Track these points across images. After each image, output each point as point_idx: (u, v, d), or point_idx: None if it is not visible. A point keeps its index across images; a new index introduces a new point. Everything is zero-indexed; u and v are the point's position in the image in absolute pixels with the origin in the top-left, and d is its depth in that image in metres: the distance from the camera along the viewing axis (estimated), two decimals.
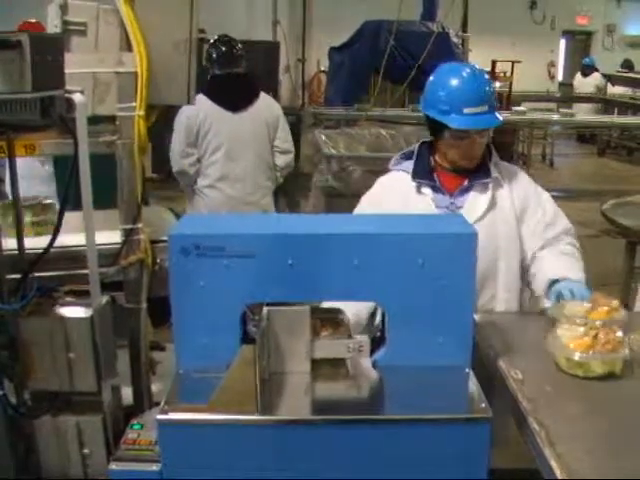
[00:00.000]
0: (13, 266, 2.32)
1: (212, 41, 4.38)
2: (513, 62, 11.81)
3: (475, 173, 2.52)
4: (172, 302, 1.93)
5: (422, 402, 1.87)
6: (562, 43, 17.79)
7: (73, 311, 2.38)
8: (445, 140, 2.49)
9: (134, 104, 2.37)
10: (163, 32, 2.41)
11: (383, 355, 1.98)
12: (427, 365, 1.94)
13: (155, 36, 2.39)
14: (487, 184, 2.52)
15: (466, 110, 2.39)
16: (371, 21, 10.07)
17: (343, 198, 6.03)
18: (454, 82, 2.44)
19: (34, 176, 3.91)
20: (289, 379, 1.93)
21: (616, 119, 10.93)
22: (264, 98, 4.49)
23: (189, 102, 2.53)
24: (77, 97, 2.20)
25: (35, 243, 2.36)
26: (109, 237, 2.57)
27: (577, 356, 1.98)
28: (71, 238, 2.44)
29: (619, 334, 2.06)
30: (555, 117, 9.81)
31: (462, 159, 2.51)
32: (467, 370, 1.96)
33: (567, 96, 13.67)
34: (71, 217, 2.31)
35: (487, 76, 2.53)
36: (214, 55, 4.30)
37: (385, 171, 2.73)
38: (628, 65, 14.24)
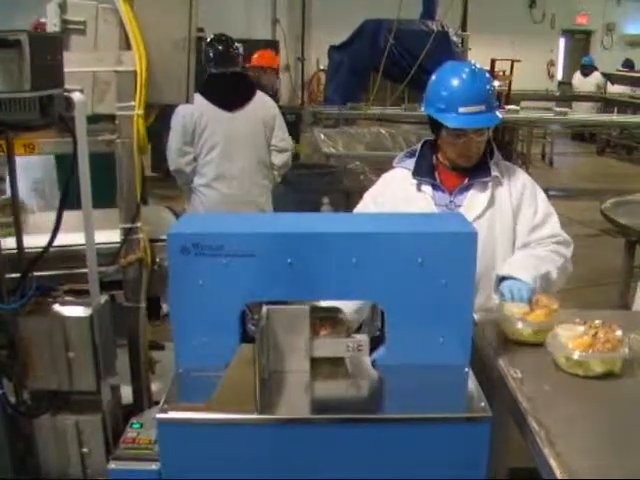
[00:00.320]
0: (12, 265, 2.32)
1: (209, 40, 4.40)
2: (512, 61, 11.81)
3: (475, 172, 2.53)
4: (171, 301, 1.93)
5: (421, 401, 1.87)
6: (561, 42, 17.78)
7: (72, 310, 2.37)
8: (444, 138, 2.51)
9: (133, 103, 2.37)
10: (162, 31, 2.41)
11: (382, 354, 1.98)
12: (426, 364, 1.94)
13: (154, 35, 2.38)
14: (487, 183, 2.53)
15: (462, 109, 2.40)
16: (371, 20, 10.08)
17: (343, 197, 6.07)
18: (451, 81, 2.46)
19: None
20: (288, 378, 1.93)
21: (615, 118, 10.94)
22: (260, 97, 4.48)
23: (188, 101, 2.53)
24: (76, 96, 2.19)
25: (35, 242, 2.36)
26: (108, 236, 2.56)
27: (577, 355, 1.98)
28: (70, 237, 2.44)
29: (618, 333, 2.06)
30: (547, 116, 9.82)
31: (459, 157, 2.52)
32: (466, 369, 1.96)
33: (566, 95, 13.68)
34: (70, 216, 2.30)
35: (487, 76, 2.53)
36: (210, 54, 4.31)
37: (385, 169, 2.75)
38: (629, 64, 14.25)
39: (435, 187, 2.55)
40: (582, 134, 14.16)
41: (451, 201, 2.53)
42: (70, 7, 2.38)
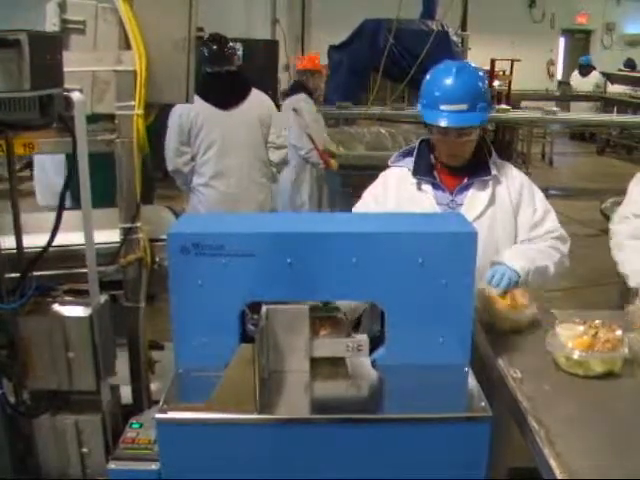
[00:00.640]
0: (12, 265, 2.32)
1: (204, 39, 4.42)
2: (512, 61, 11.80)
3: (475, 170, 2.54)
4: (171, 301, 1.93)
5: (421, 401, 1.87)
6: (561, 41, 17.78)
7: (72, 310, 2.37)
8: (434, 136, 2.52)
9: (133, 103, 2.37)
10: (162, 30, 2.40)
11: (382, 354, 1.98)
12: (426, 364, 1.94)
13: (154, 34, 2.38)
14: (487, 182, 2.53)
15: (443, 107, 2.41)
16: (370, 20, 10.06)
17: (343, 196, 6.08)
18: (437, 79, 2.47)
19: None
20: (288, 378, 1.93)
21: (615, 118, 10.94)
22: (256, 95, 4.49)
23: (188, 101, 2.52)
24: (76, 95, 2.19)
25: (34, 242, 2.36)
26: (108, 236, 2.56)
27: (576, 355, 1.98)
28: (70, 237, 2.43)
29: (618, 333, 2.06)
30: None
31: (447, 156, 2.53)
32: (466, 369, 1.96)
33: (566, 95, 13.68)
34: (70, 216, 2.30)
35: (477, 75, 2.50)
36: (205, 54, 4.32)
37: (385, 168, 2.74)
38: (631, 64, 14.25)
39: (435, 186, 2.55)
40: (582, 134, 14.15)
41: (452, 200, 2.53)
42: (70, 7, 2.38)
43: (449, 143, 2.48)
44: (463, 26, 12.02)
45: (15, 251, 2.36)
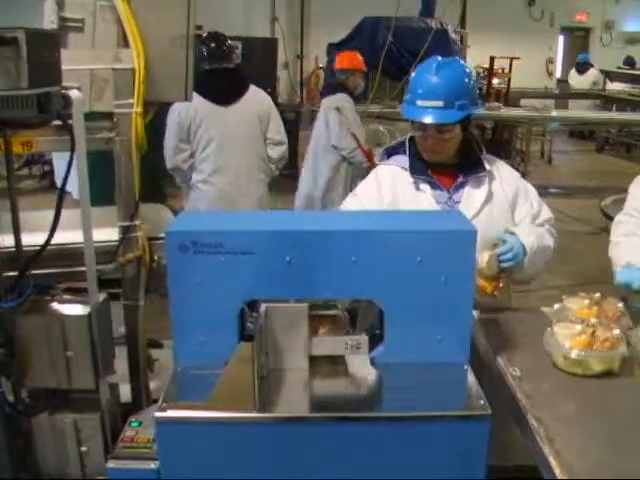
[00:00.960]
0: (10, 263, 2.32)
1: (202, 38, 4.43)
2: (511, 58, 11.80)
3: (469, 168, 2.53)
4: (170, 299, 1.93)
5: (421, 399, 1.87)
6: (560, 39, 17.77)
7: (71, 308, 2.37)
8: (415, 132, 2.52)
9: (131, 101, 2.36)
10: (160, 28, 2.40)
11: (381, 352, 1.97)
12: (426, 362, 1.94)
13: (152, 32, 2.38)
14: (482, 178, 2.53)
15: (419, 102, 2.40)
16: (369, 17, 10.06)
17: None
18: (418, 74, 2.47)
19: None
20: (287, 376, 1.93)
21: (614, 115, 10.95)
22: (254, 91, 4.52)
23: (187, 98, 2.52)
24: (74, 94, 2.19)
25: (32, 240, 2.35)
26: (107, 234, 2.56)
27: (574, 354, 1.98)
28: (68, 235, 2.43)
29: (617, 331, 2.06)
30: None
31: (424, 152, 2.52)
32: (466, 367, 1.95)
33: (565, 93, 13.68)
34: (68, 214, 2.30)
35: (460, 73, 2.46)
36: (204, 51, 4.35)
37: None
38: (630, 62, 14.25)
39: (433, 185, 2.54)
40: (581, 132, 14.15)
41: (449, 198, 2.52)
42: (68, 4, 2.38)
43: (429, 139, 2.46)
44: (462, 24, 12.01)
45: (14, 249, 2.35)
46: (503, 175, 2.60)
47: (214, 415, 1.75)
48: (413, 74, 2.51)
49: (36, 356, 2.33)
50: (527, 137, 10.48)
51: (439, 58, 2.48)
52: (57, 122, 2.19)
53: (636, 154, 12.73)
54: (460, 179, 2.54)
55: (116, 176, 2.47)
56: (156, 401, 1.87)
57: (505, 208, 2.55)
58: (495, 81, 11.91)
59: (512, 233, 2.46)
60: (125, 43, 2.37)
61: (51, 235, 2.21)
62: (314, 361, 1.96)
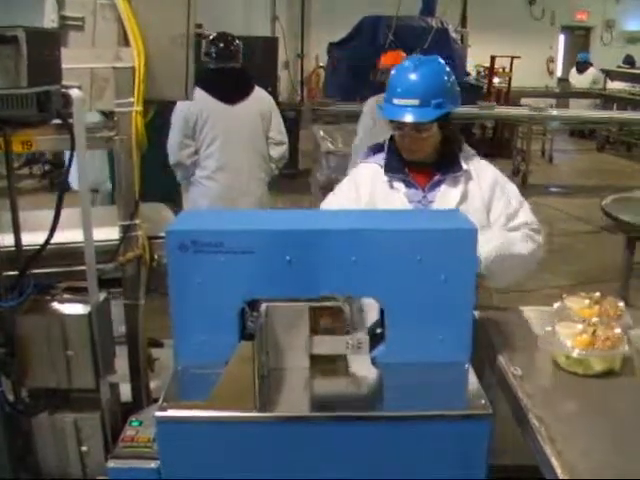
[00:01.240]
0: (10, 263, 2.31)
1: (211, 38, 4.53)
2: (512, 58, 11.80)
3: (446, 167, 2.50)
4: (170, 299, 1.92)
5: (421, 399, 1.87)
6: (561, 38, 17.77)
7: (71, 308, 2.36)
8: (394, 130, 2.51)
9: (132, 99, 2.36)
10: (161, 27, 2.39)
11: (382, 352, 1.97)
12: (427, 361, 1.93)
13: (153, 31, 2.37)
14: (458, 178, 2.50)
15: (395, 101, 2.40)
16: (370, 16, 10.07)
17: None
18: (396, 73, 2.47)
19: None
20: (288, 375, 1.92)
21: (615, 114, 10.93)
22: (258, 92, 4.61)
23: (187, 97, 2.52)
24: (74, 92, 2.18)
25: (33, 239, 2.35)
26: (107, 233, 2.55)
27: (576, 353, 1.98)
28: (69, 234, 2.42)
29: (618, 330, 2.05)
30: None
31: (403, 150, 2.51)
32: (467, 366, 1.95)
33: (566, 92, 13.67)
34: (68, 213, 2.30)
35: (439, 71, 2.45)
36: (213, 50, 4.44)
37: None
38: (630, 61, 14.24)
39: (407, 184, 2.52)
40: (582, 131, 14.14)
41: (424, 197, 2.50)
42: (68, 3, 2.37)
43: (406, 138, 2.45)
44: (463, 23, 12.02)
45: (14, 249, 2.35)
46: (481, 174, 2.55)
47: (215, 414, 1.75)
48: (392, 72, 2.50)
49: (36, 355, 2.32)
50: (528, 136, 10.47)
51: (415, 57, 2.50)
52: (57, 121, 2.19)
53: (637, 153, 12.72)
54: (436, 178, 2.51)
55: (116, 175, 2.47)
56: (156, 400, 1.86)
57: (480, 209, 2.50)
58: (496, 80, 11.90)
59: None
60: (125, 42, 2.36)
61: (51, 234, 2.20)
62: (315, 360, 1.96)
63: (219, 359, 1.83)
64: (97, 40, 2.40)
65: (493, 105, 9.93)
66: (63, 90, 2.14)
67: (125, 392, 2.63)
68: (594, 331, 2.04)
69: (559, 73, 17.21)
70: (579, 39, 17.91)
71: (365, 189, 2.56)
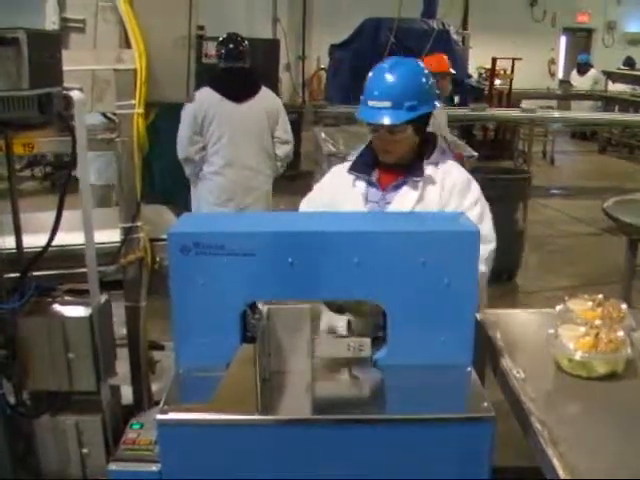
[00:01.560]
0: (12, 265, 2.31)
1: (221, 39, 4.74)
2: (513, 59, 11.79)
3: (409, 170, 2.47)
4: (172, 301, 1.92)
5: (424, 401, 1.86)
6: (562, 40, 17.76)
7: (72, 310, 2.36)
8: (370, 133, 2.50)
9: (133, 102, 2.36)
10: (162, 29, 2.39)
11: (384, 354, 1.96)
12: (429, 364, 1.93)
13: (154, 33, 2.37)
14: (418, 182, 2.46)
15: (370, 102, 2.39)
16: (371, 19, 10.07)
17: None
18: (372, 75, 2.46)
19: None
20: (290, 378, 1.92)
21: (616, 116, 10.91)
22: (265, 91, 4.78)
23: (189, 99, 2.51)
24: (75, 94, 2.18)
25: (34, 242, 2.35)
26: (108, 236, 2.55)
27: (579, 356, 1.97)
28: (70, 237, 2.42)
29: (620, 333, 2.05)
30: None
31: (379, 152, 2.50)
32: (469, 369, 1.94)
33: (567, 93, 13.66)
34: (70, 215, 2.29)
35: (414, 74, 2.44)
36: (222, 50, 4.64)
37: None
38: (630, 62, 14.23)
39: (369, 183, 2.52)
40: (583, 133, 14.12)
41: (382, 197, 2.49)
42: (69, 5, 2.37)
43: (382, 140, 2.45)
44: (464, 25, 12.02)
45: (15, 251, 2.35)
46: (446, 183, 2.47)
47: (216, 417, 1.74)
48: (370, 75, 2.48)
49: (37, 358, 2.32)
50: (529, 138, 10.45)
51: (391, 59, 2.49)
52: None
53: (638, 155, 12.69)
54: (398, 180, 2.49)
55: (117, 177, 2.47)
56: (158, 403, 1.86)
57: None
58: (497, 82, 11.90)
59: None
60: (127, 44, 2.36)
61: (52, 236, 2.20)
62: (317, 363, 1.95)
63: (220, 362, 1.83)
64: (98, 42, 2.40)
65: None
66: (64, 92, 2.14)
67: (126, 394, 2.63)
68: (597, 334, 2.03)
69: (560, 75, 17.20)
70: (580, 41, 17.90)
71: (333, 186, 2.60)
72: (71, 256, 2.46)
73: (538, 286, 5.86)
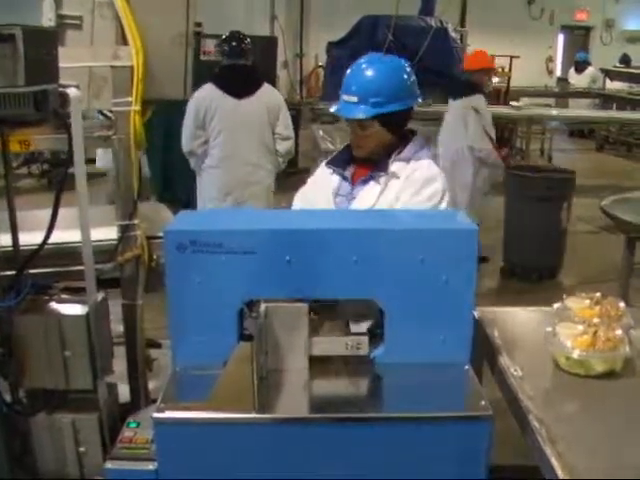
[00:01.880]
0: (8, 262, 2.30)
1: (224, 37, 4.88)
2: (511, 57, 11.78)
3: (376, 166, 2.46)
4: (169, 299, 1.91)
5: (422, 400, 1.85)
6: (560, 38, 17.75)
7: (69, 308, 2.35)
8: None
9: (130, 99, 2.35)
10: (159, 26, 2.39)
11: (382, 352, 1.96)
12: (427, 362, 1.92)
13: (151, 30, 2.36)
14: (381, 178, 2.43)
15: (343, 97, 2.43)
16: (369, 16, 10.04)
17: None
18: (350, 69, 2.49)
19: None
20: (287, 377, 1.91)
21: (614, 114, 10.91)
22: (266, 88, 4.89)
23: (185, 96, 2.51)
24: (72, 91, 2.17)
25: (31, 239, 2.34)
26: (105, 233, 2.55)
27: (576, 354, 1.97)
28: (66, 234, 2.41)
29: (619, 331, 2.04)
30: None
31: (352, 146, 2.52)
32: (467, 367, 1.94)
33: (565, 91, 13.65)
34: (66, 213, 2.28)
35: (387, 71, 2.42)
36: (225, 48, 4.77)
37: None
38: (626, 60, 14.23)
39: (343, 177, 2.53)
40: (581, 130, 14.12)
41: (350, 192, 2.49)
42: (66, 2, 2.36)
43: (354, 134, 2.48)
44: (462, 23, 12.00)
45: (11, 248, 2.34)
46: (410, 178, 2.42)
47: (213, 416, 1.74)
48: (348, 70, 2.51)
49: (34, 356, 2.31)
50: (527, 136, 10.45)
51: (370, 55, 2.51)
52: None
53: (636, 153, 12.70)
54: (366, 175, 2.49)
55: (114, 174, 2.46)
56: (155, 401, 1.85)
57: (392, 202, 2.41)
58: (495, 80, 11.88)
59: None
60: (124, 40, 2.35)
61: (48, 234, 2.19)
62: (314, 361, 1.94)
63: (218, 360, 1.82)
64: (95, 39, 2.39)
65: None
66: (61, 89, 2.14)
67: (123, 393, 2.63)
68: (595, 332, 2.03)
69: (558, 73, 17.19)
70: (578, 39, 17.89)
71: (315, 179, 2.64)
72: (68, 254, 2.45)
73: (535, 284, 5.87)
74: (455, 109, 5.98)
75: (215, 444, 1.74)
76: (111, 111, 2.40)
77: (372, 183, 2.46)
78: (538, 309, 2.49)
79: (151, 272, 2.55)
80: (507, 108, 10.10)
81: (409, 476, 1.75)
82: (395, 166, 2.43)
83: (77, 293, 2.41)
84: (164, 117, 5.91)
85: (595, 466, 1.60)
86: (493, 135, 5.80)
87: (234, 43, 4.78)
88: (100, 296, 2.40)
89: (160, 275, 2.23)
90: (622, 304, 2.25)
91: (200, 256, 1.85)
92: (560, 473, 1.57)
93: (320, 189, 2.54)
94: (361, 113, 2.37)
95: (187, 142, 4.78)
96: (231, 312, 1.90)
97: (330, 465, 1.75)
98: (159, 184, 6.78)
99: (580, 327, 2.07)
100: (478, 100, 5.78)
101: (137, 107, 2.36)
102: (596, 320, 2.10)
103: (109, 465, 1.90)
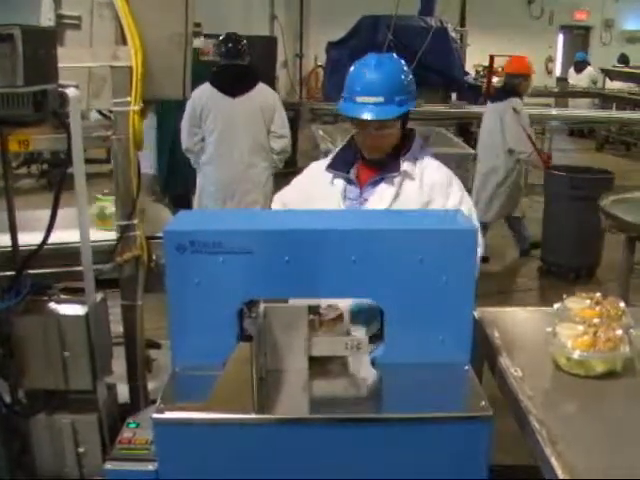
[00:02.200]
0: (7, 263, 2.30)
1: (221, 38, 5.05)
2: (511, 57, 11.76)
3: (386, 167, 2.45)
4: (168, 299, 1.91)
5: (421, 400, 1.85)
6: (560, 38, 17.76)
7: (68, 309, 2.35)
8: (355, 129, 2.46)
9: (129, 99, 2.35)
10: (159, 26, 2.39)
11: (382, 353, 1.95)
12: (427, 362, 1.92)
13: (150, 30, 2.36)
14: (395, 177, 2.43)
15: (359, 99, 2.36)
16: (369, 16, 10.04)
17: None
18: (356, 72, 2.43)
19: None
20: (286, 377, 1.91)
21: (614, 114, 10.91)
22: (261, 87, 5.01)
23: (184, 96, 2.50)
24: (71, 91, 2.17)
25: (30, 240, 2.33)
26: (104, 233, 2.54)
27: (577, 355, 1.96)
28: (66, 234, 2.41)
29: (619, 331, 2.04)
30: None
31: (364, 148, 2.47)
32: (467, 367, 1.93)
33: (564, 91, 13.65)
34: (66, 213, 2.28)
35: (398, 68, 2.43)
36: (222, 49, 4.94)
37: None
38: (624, 60, 14.24)
39: (348, 181, 2.49)
40: (581, 130, 14.12)
41: (360, 194, 2.48)
42: (65, 1, 2.36)
43: (369, 136, 2.41)
44: (462, 22, 12.00)
45: (10, 249, 2.33)
46: (425, 177, 2.44)
47: (212, 416, 1.73)
48: (351, 70, 2.46)
49: (33, 356, 2.31)
50: None
51: (372, 55, 2.47)
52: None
53: (636, 153, 12.70)
54: (375, 177, 2.47)
55: (114, 174, 2.46)
56: (154, 402, 1.85)
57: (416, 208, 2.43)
58: (495, 80, 11.88)
59: None
60: (123, 41, 2.35)
61: (48, 234, 2.19)
62: (314, 361, 1.94)
63: (217, 360, 1.82)
64: (94, 39, 2.39)
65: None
66: (60, 89, 2.13)
67: (123, 393, 2.62)
68: (595, 332, 2.02)
69: (558, 72, 17.19)
70: (578, 39, 17.89)
71: (310, 183, 2.58)
72: (67, 254, 2.45)
73: (536, 284, 5.86)
74: (490, 111, 6.10)
75: (215, 444, 1.74)
76: (110, 111, 2.40)
77: (383, 185, 2.44)
78: (538, 309, 2.49)
79: (150, 272, 2.55)
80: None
81: (409, 476, 1.75)
82: (405, 165, 2.43)
83: (76, 293, 2.41)
84: (170, 117, 5.98)
85: (595, 466, 1.60)
86: (533, 136, 5.83)
87: (230, 44, 4.95)
88: (99, 297, 2.39)
89: (160, 275, 2.23)
90: (622, 304, 2.24)
91: (199, 256, 1.84)
92: (560, 473, 1.57)
93: (321, 194, 2.48)
94: (391, 113, 2.35)
95: (185, 140, 4.97)
96: (230, 312, 1.90)
97: (330, 465, 1.75)
98: (163, 180, 6.85)
99: (580, 327, 2.07)
100: (516, 102, 5.88)
101: (136, 107, 2.35)
102: (596, 320, 2.10)
103: (108, 466, 1.89)
